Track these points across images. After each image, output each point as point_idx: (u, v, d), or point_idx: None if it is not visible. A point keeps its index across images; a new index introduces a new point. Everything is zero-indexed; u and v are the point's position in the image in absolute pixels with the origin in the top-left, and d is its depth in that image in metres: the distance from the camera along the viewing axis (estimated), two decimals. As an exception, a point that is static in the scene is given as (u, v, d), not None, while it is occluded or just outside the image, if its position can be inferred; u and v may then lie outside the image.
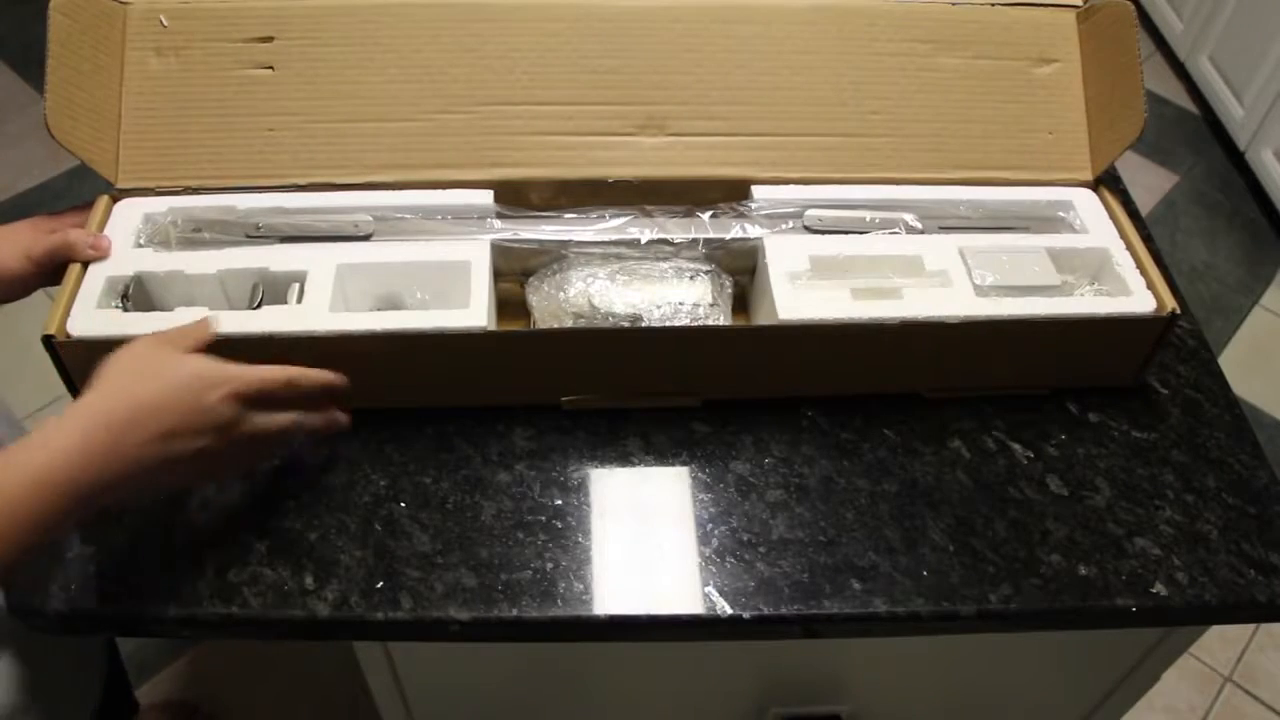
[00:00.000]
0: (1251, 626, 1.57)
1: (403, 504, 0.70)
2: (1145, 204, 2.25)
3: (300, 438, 0.64)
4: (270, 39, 0.79)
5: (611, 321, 0.78)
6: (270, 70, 0.79)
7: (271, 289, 0.74)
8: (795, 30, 0.83)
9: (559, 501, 0.71)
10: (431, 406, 0.76)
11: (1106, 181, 0.86)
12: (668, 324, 0.78)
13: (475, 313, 0.72)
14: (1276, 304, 2.10)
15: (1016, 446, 0.77)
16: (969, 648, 0.82)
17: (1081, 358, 0.79)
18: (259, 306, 0.73)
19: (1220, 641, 1.56)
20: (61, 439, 0.52)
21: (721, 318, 0.80)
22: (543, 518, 0.70)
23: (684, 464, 0.74)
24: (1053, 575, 0.69)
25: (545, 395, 0.77)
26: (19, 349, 0.83)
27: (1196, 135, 2.48)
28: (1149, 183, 2.33)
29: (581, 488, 0.72)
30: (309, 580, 0.65)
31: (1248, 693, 1.51)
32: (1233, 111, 2.31)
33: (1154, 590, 0.69)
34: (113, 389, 0.55)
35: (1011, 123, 0.85)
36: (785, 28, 0.83)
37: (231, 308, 0.74)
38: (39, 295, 0.75)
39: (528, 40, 0.81)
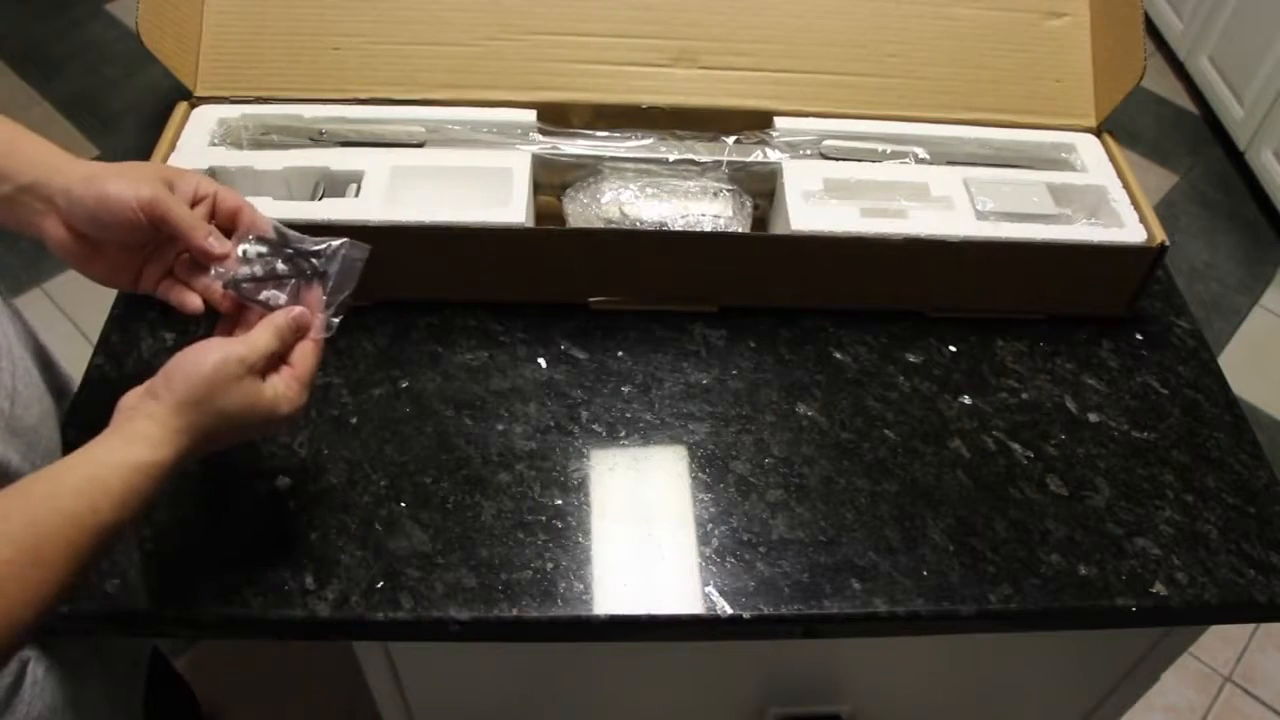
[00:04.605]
0: (1251, 626, 1.57)
1: (403, 504, 0.70)
2: (1145, 204, 2.25)
3: None
4: (339, -35, 0.86)
5: (639, 227, 0.83)
6: (338, -5, 0.87)
7: (332, 186, 0.82)
8: (820, -25, 0.89)
9: (559, 501, 0.71)
10: (472, 301, 0.82)
11: (1110, 129, 0.89)
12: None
13: (515, 210, 0.79)
14: (1276, 304, 2.09)
15: (1016, 446, 0.77)
16: (969, 647, 0.82)
17: (1076, 282, 0.83)
18: (320, 200, 0.80)
19: (1220, 641, 1.56)
20: (162, 452, 0.53)
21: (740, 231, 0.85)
22: (543, 518, 0.70)
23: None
24: (1053, 575, 0.69)
25: (575, 295, 0.83)
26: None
27: (1196, 135, 2.48)
28: (1149, 183, 2.32)
29: (581, 488, 0.72)
30: (309, 580, 0.65)
31: (1248, 693, 1.51)
32: (1232, 112, 2.31)
33: (1154, 590, 0.69)
34: (207, 409, 0.55)
35: (1021, 70, 0.90)
36: (811, -28, 0.89)
37: (294, 200, 0.81)
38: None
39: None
